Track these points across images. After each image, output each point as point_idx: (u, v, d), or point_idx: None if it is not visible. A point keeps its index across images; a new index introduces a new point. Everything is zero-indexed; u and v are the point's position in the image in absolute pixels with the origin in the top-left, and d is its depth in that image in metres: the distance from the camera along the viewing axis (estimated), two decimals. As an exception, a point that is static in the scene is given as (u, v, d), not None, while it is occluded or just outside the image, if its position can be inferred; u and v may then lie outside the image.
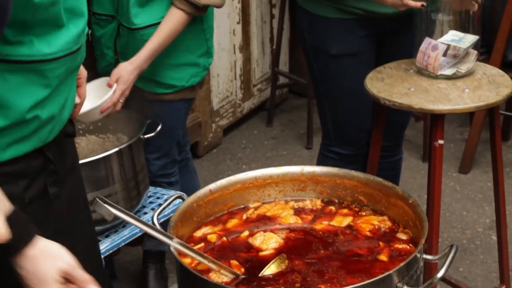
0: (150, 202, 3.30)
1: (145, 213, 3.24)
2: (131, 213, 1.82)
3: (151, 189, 3.32)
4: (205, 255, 1.92)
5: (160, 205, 2.86)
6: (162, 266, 3.72)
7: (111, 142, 3.27)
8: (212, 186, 2.19)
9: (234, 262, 1.99)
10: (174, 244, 1.88)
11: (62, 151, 1.97)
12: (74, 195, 2.08)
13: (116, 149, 2.93)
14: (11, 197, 1.65)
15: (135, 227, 3.18)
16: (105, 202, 1.78)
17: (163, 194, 3.33)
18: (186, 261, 1.93)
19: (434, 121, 2.87)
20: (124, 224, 3.06)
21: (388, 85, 2.99)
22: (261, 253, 2.04)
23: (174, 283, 3.76)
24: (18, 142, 1.78)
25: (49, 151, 1.89)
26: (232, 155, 5.30)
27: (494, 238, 4.08)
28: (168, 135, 3.40)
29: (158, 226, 1.95)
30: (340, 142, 3.54)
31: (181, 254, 1.91)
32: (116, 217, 1.80)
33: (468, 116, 5.30)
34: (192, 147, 4.75)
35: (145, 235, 3.59)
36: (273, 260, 1.97)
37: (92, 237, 2.27)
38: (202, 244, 2.07)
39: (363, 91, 3.02)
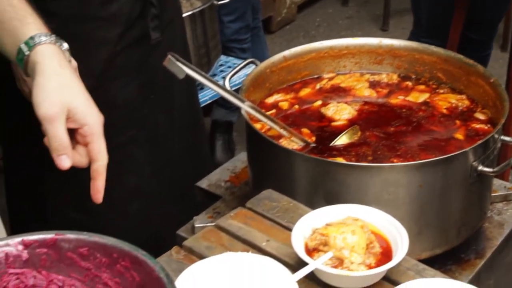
0: (221, 71, 3.26)
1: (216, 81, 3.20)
2: (203, 73, 1.78)
3: (223, 57, 3.28)
4: (277, 120, 1.88)
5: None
6: (230, 137, 3.71)
7: (184, 7, 3.21)
8: (286, 53, 2.13)
9: (305, 130, 1.94)
10: (246, 107, 1.83)
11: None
12: (174, 44, 2.02)
13: (189, 13, 2.87)
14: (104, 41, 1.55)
15: (204, 95, 3.16)
16: (178, 60, 1.73)
17: (235, 63, 3.28)
18: (257, 126, 1.89)
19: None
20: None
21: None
22: (333, 123, 1.99)
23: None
24: None
25: None
26: (305, 32, 5.21)
27: None
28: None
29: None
30: (432, 33, 3.42)
31: (252, 118, 1.87)
32: (187, 77, 1.76)
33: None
34: (265, 22, 4.67)
35: (214, 104, 3.58)
36: (345, 131, 1.92)
37: (191, 90, 2.22)
38: (273, 111, 2.03)
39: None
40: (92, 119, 1.45)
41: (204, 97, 3.02)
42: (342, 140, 1.90)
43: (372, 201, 1.67)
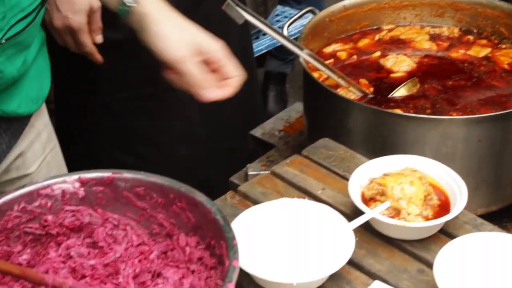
0: (277, 21, 3.23)
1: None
2: (262, 19, 1.76)
3: (279, 8, 3.25)
4: (335, 69, 1.86)
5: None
6: (283, 88, 3.69)
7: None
8: (346, 2, 2.10)
9: (363, 81, 1.92)
10: (304, 55, 1.81)
11: None
12: None
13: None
14: None
15: (258, 44, 3.14)
16: (237, 5, 1.71)
17: (291, 14, 3.25)
18: (314, 75, 1.87)
19: None
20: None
21: None
22: (391, 75, 1.96)
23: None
24: None
25: None
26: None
27: None
28: None
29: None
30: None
31: (310, 67, 1.84)
32: (243, 25, 1.74)
33: None
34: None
35: (268, 55, 3.56)
36: (404, 83, 1.89)
37: (246, 39, 2.21)
38: (331, 60, 2.00)
39: None
40: (216, 46, 1.49)
41: (259, 47, 3.01)
42: (400, 92, 1.87)
43: (430, 154, 1.64)
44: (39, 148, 1.61)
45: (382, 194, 1.46)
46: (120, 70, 2.14)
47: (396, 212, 1.45)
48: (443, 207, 1.48)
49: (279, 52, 3.45)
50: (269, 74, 3.66)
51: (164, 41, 1.46)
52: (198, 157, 2.28)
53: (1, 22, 1.30)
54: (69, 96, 2.27)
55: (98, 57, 1.92)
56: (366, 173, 1.52)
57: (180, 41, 1.46)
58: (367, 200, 1.48)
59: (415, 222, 1.43)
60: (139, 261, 1.29)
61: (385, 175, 1.50)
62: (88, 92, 2.20)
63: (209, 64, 1.48)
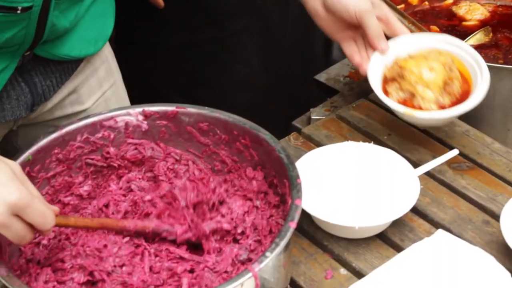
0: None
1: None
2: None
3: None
4: (407, 15, 1.80)
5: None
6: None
7: None
8: None
9: (434, 28, 1.86)
10: (375, -2, 1.76)
11: None
12: None
13: None
14: None
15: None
16: None
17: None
18: None
19: None
20: None
21: None
22: (464, 23, 1.90)
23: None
24: None
25: None
26: None
27: None
28: None
29: None
30: None
31: None
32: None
33: None
34: None
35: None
36: (476, 32, 1.83)
37: None
38: (402, 5, 1.95)
39: None
40: (382, 3, 1.55)
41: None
42: (472, 40, 1.82)
43: (500, 105, 1.59)
44: (96, 83, 1.58)
45: (402, 76, 1.42)
46: (183, 13, 2.12)
47: (410, 96, 1.41)
48: (465, 95, 1.43)
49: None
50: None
51: None
52: (258, 103, 2.25)
53: None
54: (130, 37, 2.25)
55: (160, 1, 1.91)
56: (392, 52, 1.49)
57: None
58: (388, 80, 1.45)
59: (428, 110, 1.39)
60: (199, 191, 1.26)
61: (410, 56, 1.47)
62: (150, 34, 2.18)
63: (380, 20, 1.52)
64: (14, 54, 1.31)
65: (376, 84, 1.42)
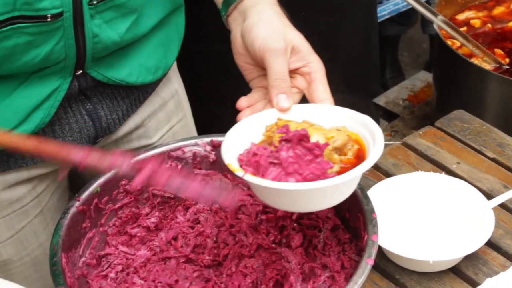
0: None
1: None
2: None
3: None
4: (470, 38, 1.77)
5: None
6: (396, 53, 3.60)
7: None
8: (482, -33, 2.01)
9: (498, 51, 1.83)
10: (439, 22, 1.73)
11: None
12: None
13: None
14: None
15: (381, 9, 3.06)
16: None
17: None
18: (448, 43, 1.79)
19: None
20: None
21: None
22: (529, 46, 1.87)
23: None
24: None
25: None
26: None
27: None
28: None
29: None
30: None
31: (444, 35, 1.76)
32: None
33: None
34: None
35: (387, 21, 3.47)
36: (542, 54, 1.80)
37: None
38: (464, 28, 1.92)
39: None
40: (316, 58, 1.27)
41: (381, 12, 2.92)
42: (538, 63, 1.78)
43: None
44: (164, 117, 1.54)
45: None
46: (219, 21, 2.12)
47: None
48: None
49: (401, 17, 3.36)
50: (385, 39, 3.56)
51: (265, 30, 1.24)
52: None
53: None
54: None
55: None
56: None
57: (280, 35, 1.24)
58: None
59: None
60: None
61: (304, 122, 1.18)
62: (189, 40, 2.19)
63: (303, 75, 1.27)
64: (63, 73, 1.28)
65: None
